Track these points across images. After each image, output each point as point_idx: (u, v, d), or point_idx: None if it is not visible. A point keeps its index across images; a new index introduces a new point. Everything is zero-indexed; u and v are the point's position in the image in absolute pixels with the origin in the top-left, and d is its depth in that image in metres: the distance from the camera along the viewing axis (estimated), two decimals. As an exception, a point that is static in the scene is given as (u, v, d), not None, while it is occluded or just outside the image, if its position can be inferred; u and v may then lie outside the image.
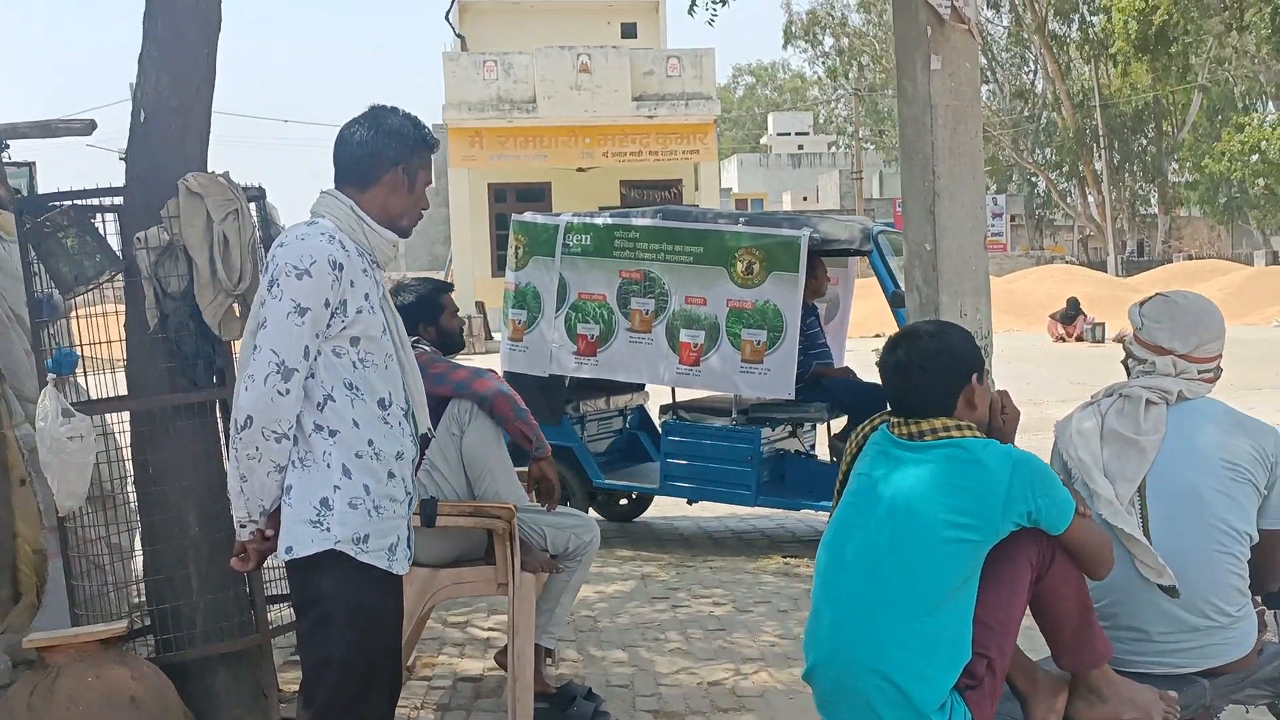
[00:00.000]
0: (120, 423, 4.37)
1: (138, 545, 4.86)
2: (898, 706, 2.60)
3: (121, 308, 4.38)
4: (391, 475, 2.85)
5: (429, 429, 3.13)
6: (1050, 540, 2.72)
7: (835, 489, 2.98)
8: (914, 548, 2.64)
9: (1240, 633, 3.03)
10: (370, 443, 2.80)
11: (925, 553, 2.64)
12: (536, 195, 28.43)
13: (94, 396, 4.45)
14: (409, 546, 2.94)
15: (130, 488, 4.66)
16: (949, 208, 4.40)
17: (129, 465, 4.47)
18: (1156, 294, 3.26)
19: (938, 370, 2.78)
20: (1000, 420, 2.91)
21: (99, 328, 4.26)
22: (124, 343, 4.04)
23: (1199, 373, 3.13)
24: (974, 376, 2.82)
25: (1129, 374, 3.24)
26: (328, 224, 2.83)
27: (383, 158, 2.88)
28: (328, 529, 2.75)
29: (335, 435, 2.77)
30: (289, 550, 2.77)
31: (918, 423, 2.77)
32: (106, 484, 4.30)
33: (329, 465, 2.76)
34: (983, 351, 3.11)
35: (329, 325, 2.76)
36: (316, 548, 2.75)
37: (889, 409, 2.87)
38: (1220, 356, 3.18)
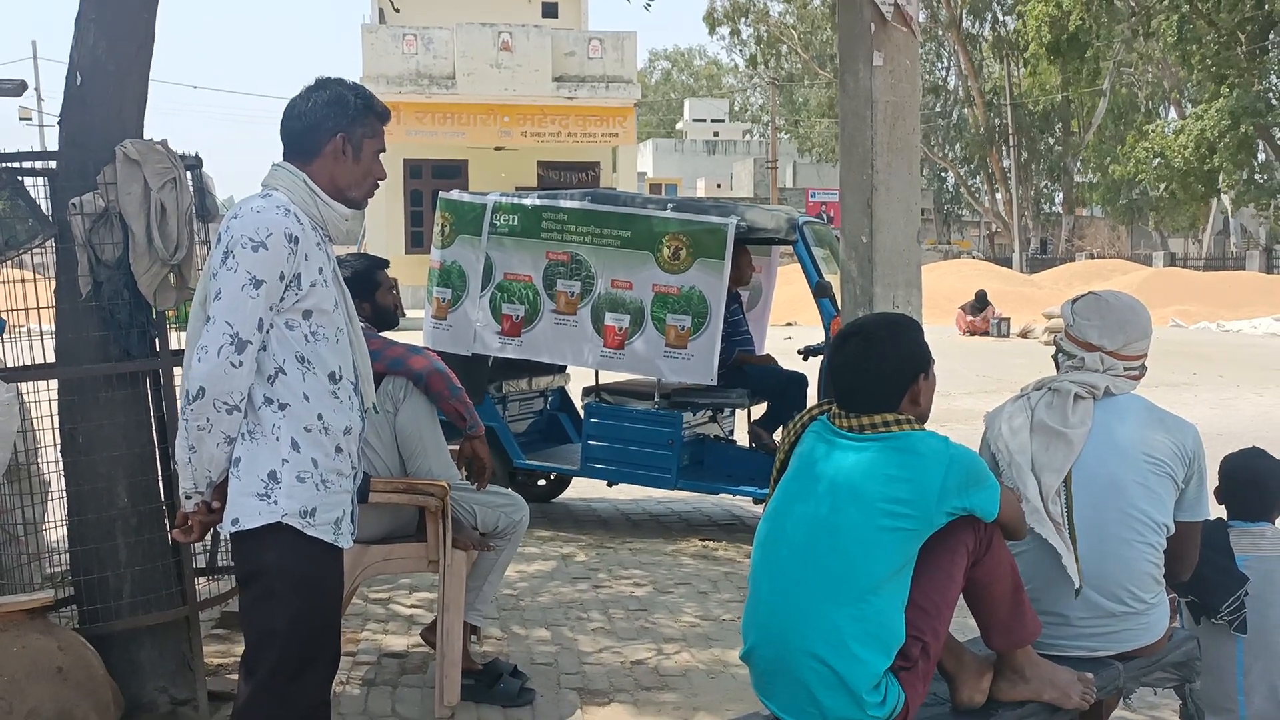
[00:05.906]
0: (32, 391, 4.28)
1: (49, 517, 4.79)
2: (833, 688, 2.66)
3: (31, 275, 4.28)
4: (339, 450, 2.84)
5: (374, 404, 3.13)
6: (986, 525, 2.80)
7: (772, 476, 3.02)
8: (851, 531, 2.69)
9: (1154, 619, 3.17)
10: (320, 417, 2.80)
11: (862, 539, 2.69)
12: (453, 172, 28.18)
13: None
14: (353, 521, 2.95)
15: (43, 458, 4.58)
16: (885, 201, 4.49)
17: (41, 435, 4.39)
18: (1089, 292, 3.37)
19: (886, 371, 2.81)
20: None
21: (7, 293, 4.17)
22: (53, 310, 3.96)
23: (1125, 370, 3.26)
24: (920, 375, 2.85)
25: (1058, 368, 3.35)
26: (282, 196, 2.81)
27: (322, 128, 2.86)
28: (275, 502, 2.74)
29: (285, 409, 2.76)
30: (235, 522, 2.76)
31: (858, 417, 2.81)
32: (18, 454, 4.21)
33: (278, 438, 2.75)
34: None
35: (282, 298, 2.74)
36: (263, 520, 2.74)
37: (831, 400, 2.92)
38: (1145, 355, 3.31)
